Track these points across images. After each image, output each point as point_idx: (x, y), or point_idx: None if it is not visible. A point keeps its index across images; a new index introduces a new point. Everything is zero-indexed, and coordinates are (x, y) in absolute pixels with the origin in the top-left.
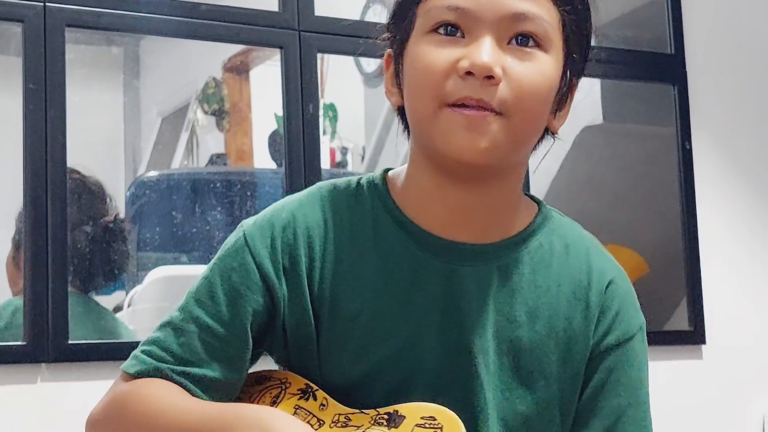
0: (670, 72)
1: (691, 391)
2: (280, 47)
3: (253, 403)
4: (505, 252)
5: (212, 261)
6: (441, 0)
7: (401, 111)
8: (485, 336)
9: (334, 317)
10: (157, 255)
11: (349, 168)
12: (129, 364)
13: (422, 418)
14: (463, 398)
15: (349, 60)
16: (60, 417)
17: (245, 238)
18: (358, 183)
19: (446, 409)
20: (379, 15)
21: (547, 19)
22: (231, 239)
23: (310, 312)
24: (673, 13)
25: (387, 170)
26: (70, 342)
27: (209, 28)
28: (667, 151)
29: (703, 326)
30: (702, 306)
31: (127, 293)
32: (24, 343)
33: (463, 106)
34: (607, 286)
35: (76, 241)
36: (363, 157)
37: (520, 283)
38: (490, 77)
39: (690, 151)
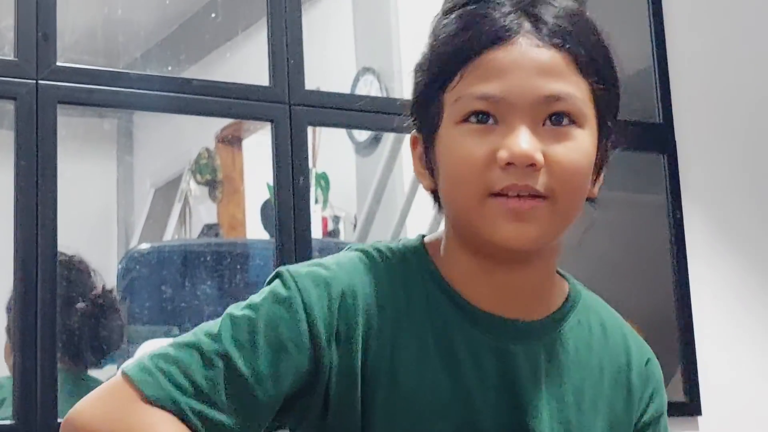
0: (660, 141)
1: None
2: (271, 120)
3: None
4: (549, 329)
5: (254, 301)
6: (469, 88)
7: (434, 193)
8: (540, 417)
9: (391, 390)
10: (148, 328)
11: (341, 237)
12: (141, 379)
13: None
14: None
15: (341, 129)
16: None
17: (300, 291)
18: (401, 250)
19: None
20: (370, 85)
21: (578, 95)
22: (280, 287)
23: (359, 383)
24: (661, 83)
25: (423, 236)
26: (59, 420)
27: (201, 103)
28: (657, 219)
29: (699, 397)
30: (697, 376)
31: (118, 367)
32: (13, 422)
33: (508, 195)
34: (645, 368)
35: (65, 318)
36: (355, 226)
37: (566, 362)
38: (531, 164)
39: (681, 219)
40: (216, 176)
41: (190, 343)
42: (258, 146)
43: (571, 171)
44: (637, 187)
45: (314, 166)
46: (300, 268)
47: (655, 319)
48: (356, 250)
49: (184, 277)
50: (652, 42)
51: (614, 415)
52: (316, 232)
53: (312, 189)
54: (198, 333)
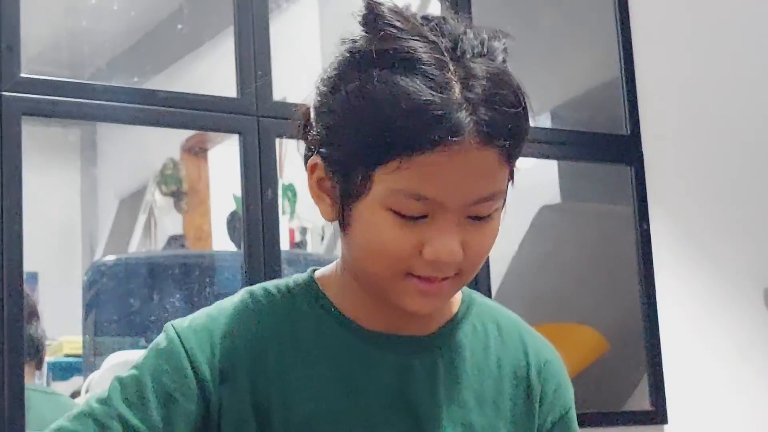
0: (627, 153)
1: None
2: (239, 133)
3: None
4: (447, 339)
5: (138, 361)
6: (406, 185)
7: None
8: (440, 422)
9: (286, 422)
10: (114, 339)
11: (309, 249)
12: None
13: None
14: None
15: None
16: None
17: (181, 340)
18: (289, 287)
19: None
20: None
21: (504, 186)
22: (162, 341)
23: (252, 420)
24: (628, 95)
25: (313, 270)
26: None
27: (167, 115)
28: (625, 230)
29: (665, 405)
30: (663, 385)
31: (84, 378)
32: None
33: (421, 277)
34: (544, 365)
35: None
36: (323, 237)
37: (464, 368)
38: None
39: (647, 230)
40: (181, 187)
41: (83, 413)
42: (224, 156)
43: (484, 253)
44: (604, 198)
45: (281, 176)
46: (182, 321)
47: (622, 329)
48: (244, 292)
49: (150, 288)
50: (619, 53)
51: (517, 414)
52: (284, 244)
53: (279, 200)
54: (90, 402)
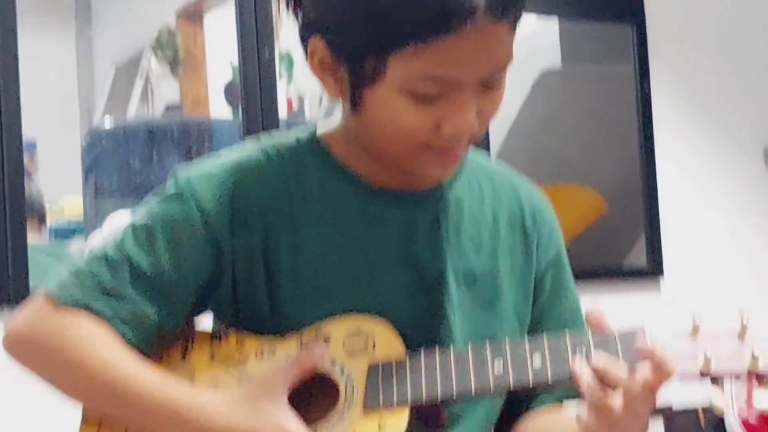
0: (629, 11)
1: (649, 325)
2: None
3: (162, 357)
4: (446, 191)
5: (149, 205)
6: (422, 69)
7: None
8: (443, 271)
9: (294, 274)
10: (114, 201)
11: (306, 116)
12: (58, 292)
13: (348, 331)
14: (430, 333)
15: None
16: None
17: (191, 190)
18: (294, 142)
19: (366, 315)
20: None
21: (512, 50)
22: (171, 187)
23: (263, 270)
24: None
25: (315, 126)
26: (31, 286)
27: None
28: (625, 91)
29: (661, 260)
30: (660, 241)
31: (86, 239)
32: None
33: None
34: (537, 211)
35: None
36: (320, 101)
37: (462, 219)
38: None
39: (648, 90)
40: (178, 54)
41: (98, 255)
42: (220, 22)
43: (494, 115)
44: (605, 59)
45: (278, 41)
46: (193, 168)
47: (621, 189)
48: (252, 146)
49: (149, 152)
50: None
51: (515, 259)
52: (282, 112)
53: (276, 64)
54: (106, 244)
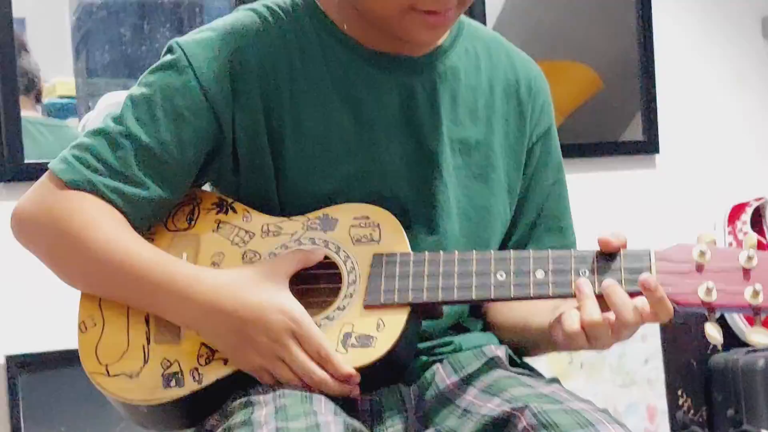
0: None
1: (645, 200)
2: None
3: (167, 222)
4: (443, 59)
5: (147, 77)
6: None
7: None
8: (441, 140)
9: (298, 138)
10: (107, 81)
11: None
12: (61, 168)
13: (355, 218)
14: (428, 199)
15: None
16: None
17: (188, 58)
18: (291, 6)
19: (375, 206)
20: None
21: None
22: (168, 58)
23: (265, 136)
24: None
25: None
26: (26, 162)
27: None
28: None
29: (657, 136)
30: (656, 116)
31: (80, 119)
32: None
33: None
34: (533, 81)
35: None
36: None
37: (459, 88)
38: None
39: None
40: None
41: (98, 131)
42: None
43: None
44: None
45: None
46: (188, 37)
47: (618, 64)
48: (246, 9)
49: (140, 27)
50: None
51: (509, 126)
52: None
53: None
54: (106, 119)
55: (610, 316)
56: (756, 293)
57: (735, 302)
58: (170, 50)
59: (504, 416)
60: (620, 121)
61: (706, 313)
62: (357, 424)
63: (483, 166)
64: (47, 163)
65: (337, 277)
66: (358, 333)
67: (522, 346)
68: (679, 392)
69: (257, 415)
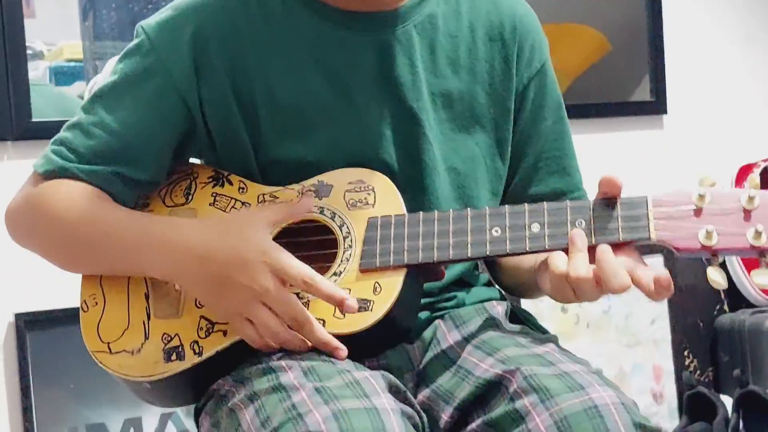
0: None
1: (653, 160)
2: None
3: (164, 198)
4: (418, 8)
5: (117, 65)
6: None
7: None
8: (421, 95)
9: (272, 108)
10: (114, 44)
11: None
12: (38, 163)
13: (350, 183)
14: (412, 158)
15: None
16: None
17: (150, 42)
18: None
19: (369, 170)
20: None
21: None
22: (134, 43)
23: (236, 110)
24: None
25: None
26: (33, 120)
27: None
28: None
29: (665, 97)
30: (664, 77)
31: (86, 83)
32: None
33: None
34: (518, 21)
35: None
36: None
37: (437, 38)
38: None
39: None
40: None
41: (72, 124)
42: None
43: None
44: None
45: None
46: (151, 19)
47: (626, 26)
48: None
49: None
50: None
51: (494, 71)
52: None
53: None
54: (79, 111)
55: (598, 272)
56: (758, 234)
57: (737, 245)
58: (137, 34)
59: (496, 379)
60: (628, 83)
61: (708, 259)
62: (393, 378)
63: (467, 117)
64: (55, 121)
65: (334, 244)
66: (356, 297)
67: (515, 289)
68: (686, 353)
69: (285, 379)
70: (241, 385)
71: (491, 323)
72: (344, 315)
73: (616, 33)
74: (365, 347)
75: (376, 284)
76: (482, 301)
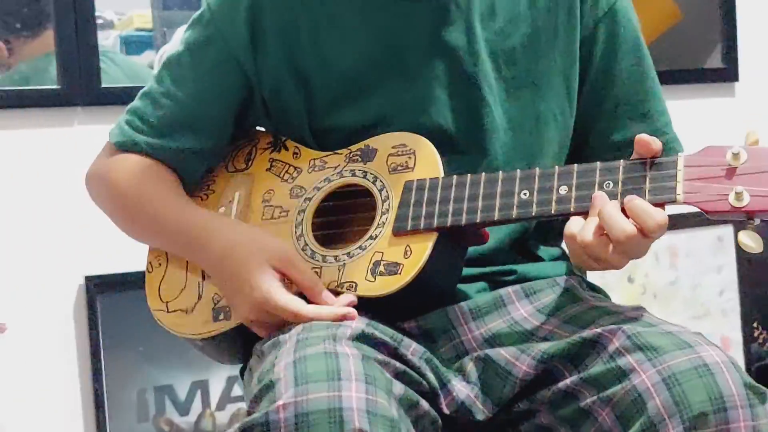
0: None
1: (724, 128)
2: None
3: (227, 164)
4: None
5: (183, 35)
6: None
7: None
8: (480, 58)
9: (325, 76)
10: (183, 13)
11: None
12: (113, 133)
13: (393, 147)
14: (471, 122)
15: None
16: None
17: (210, 12)
18: None
19: (414, 134)
20: None
21: None
22: (198, 13)
23: (291, 77)
24: None
25: None
26: (102, 86)
27: None
28: None
29: (737, 64)
30: (736, 45)
31: (156, 52)
32: (58, 86)
33: None
34: None
35: None
36: None
37: None
38: None
39: None
40: None
41: (144, 93)
42: None
43: None
44: None
45: None
46: None
47: None
48: None
49: None
50: None
51: (558, 22)
52: None
53: None
54: (151, 79)
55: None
56: None
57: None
58: (201, 4)
59: (594, 337)
60: (700, 51)
61: (743, 221)
62: (380, 356)
63: (532, 71)
64: (124, 87)
65: (375, 208)
66: (387, 260)
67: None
68: (755, 324)
69: (284, 335)
70: (269, 345)
71: (572, 298)
72: (375, 279)
73: (688, 1)
74: (402, 309)
75: (407, 248)
76: (549, 277)
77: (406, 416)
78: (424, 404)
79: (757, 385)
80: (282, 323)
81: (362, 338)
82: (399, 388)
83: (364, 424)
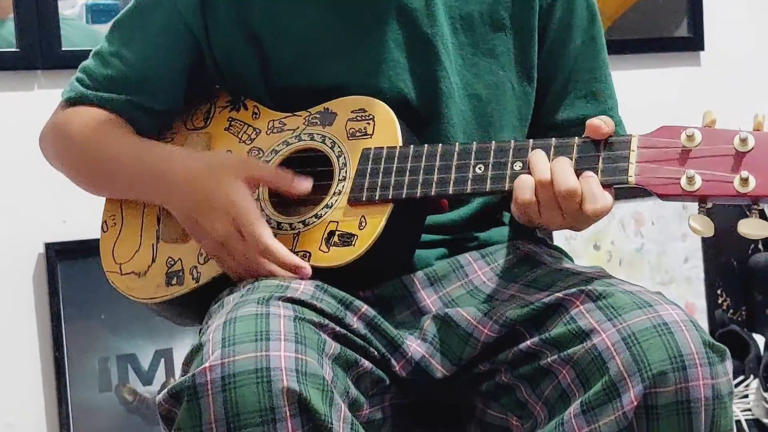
0: None
1: (690, 97)
2: None
3: (185, 121)
4: None
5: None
6: None
7: None
8: (436, 21)
9: (277, 40)
10: None
11: None
12: (65, 90)
13: (352, 111)
14: (428, 86)
15: None
16: None
17: None
18: None
19: (373, 99)
20: None
21: None
22: None
23: (243, 42)
24: None
25: None
26: (63, 49)
27: None
28: None
29: (702, 33)
30: (702, 13)
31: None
32: (17, 49)
33: None
34: None
35: None
36: None
37: None
38: None
39: None
40: None
41: (95, 52)
42: None
43: None
44: None
45: None
46: None
47: None
48: None
49: None
50: None
51: None
52: None
53: None
54: (102, 39)
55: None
56: (744, 181)
57: (723, 191)
58: None
59: (556, 302)
60: (666, 21)
61: (697, 204)
62: (317, 318)
63: (489, 40)
64: (84, 50)
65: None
66: (341, 231)
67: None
68: (719, 291)
69: (228, 297)
70: (216, 306)
71: (531, 262)
72: (329, 250)
73: None
74: (358, 278)
75: (362, 219)
76: (507, 241)
77: (344, 375)
78: (366, 363)
79: (716, 343)
80: (245, 261)
81: (302, 303)
82: (333, 347)
83: (292, 383)
